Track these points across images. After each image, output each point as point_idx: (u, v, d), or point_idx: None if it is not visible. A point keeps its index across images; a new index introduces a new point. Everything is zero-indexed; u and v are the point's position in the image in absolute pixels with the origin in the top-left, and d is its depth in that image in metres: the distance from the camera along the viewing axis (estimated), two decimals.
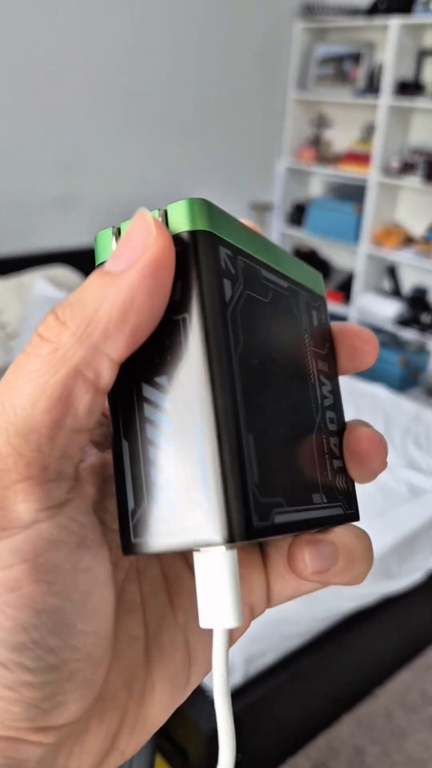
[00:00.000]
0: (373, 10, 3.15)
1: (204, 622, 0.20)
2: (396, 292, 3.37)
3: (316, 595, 1.29)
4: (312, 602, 1.29)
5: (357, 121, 3.47)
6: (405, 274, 3.39)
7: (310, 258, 3.63)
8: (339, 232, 3.38)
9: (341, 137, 3.55)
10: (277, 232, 3.69)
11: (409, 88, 3.07)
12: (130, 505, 0.20)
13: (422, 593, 1.59)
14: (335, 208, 3.40)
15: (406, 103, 3.06)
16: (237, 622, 0.20)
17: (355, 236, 3.32)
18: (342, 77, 3.41)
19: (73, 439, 0.19)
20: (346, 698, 1.58)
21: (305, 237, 3.64)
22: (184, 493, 0.19)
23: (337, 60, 3.42)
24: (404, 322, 3.17)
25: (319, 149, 3.55)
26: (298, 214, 3.61)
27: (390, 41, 3.05)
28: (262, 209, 3.57)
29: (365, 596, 1.42)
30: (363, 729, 1.54)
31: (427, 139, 3.20)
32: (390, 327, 3.20)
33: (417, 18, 2.98)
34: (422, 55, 3.13)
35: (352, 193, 3.43)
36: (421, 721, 1.58)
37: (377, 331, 3.23)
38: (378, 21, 3.09)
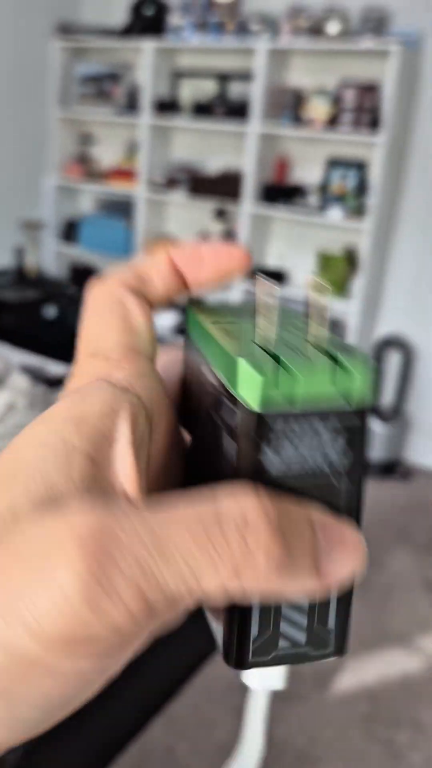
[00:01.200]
0: (127, 32, 3.25)
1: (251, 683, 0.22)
2: (172, 303, 3.47)
3: None
4: None
5: (121, 138, 3.54)
6: None
7: (86, 274, 3.63)
8: (112, 247, 3.41)
9: (107, 154, 3.60)
10: (51, 250, 3.64)
11: (166, 107, 3.20)
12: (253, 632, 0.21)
13: None
14: (106, 224, 3.44)
15: (165, 121, 3.19)
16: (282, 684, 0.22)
17: (127, 250, 3.38)
18: (103, 96, 3.47)
19: None
20: (155, 701, 1.58)
21: (80, 253, 3.63)
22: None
23: (97, 79, 3.47)
24: (182, 330, 3.28)
25: (86, 166, 3.56)
26: (70, 231, 3.59)
27: (145, 62, 3.16)
28: (33, 227, 3.49)
29: None
30: (173, 727, 1.55)
31: (188, 155, 3.36)
32: (169, 336, 3.29)
33: (168, 42, 3.12)
34: (177, 76, 3.28)
35: (122, 208, 3.49)
36: (227, 709, 1.64)
37: (158, 341, 3.30)
38: (132, 43, 3.19)
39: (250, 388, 0.17)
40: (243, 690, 1.68)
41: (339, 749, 1.57)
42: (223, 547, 0.16)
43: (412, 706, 1.72)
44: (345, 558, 0.18)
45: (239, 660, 0.21)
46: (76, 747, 1.30)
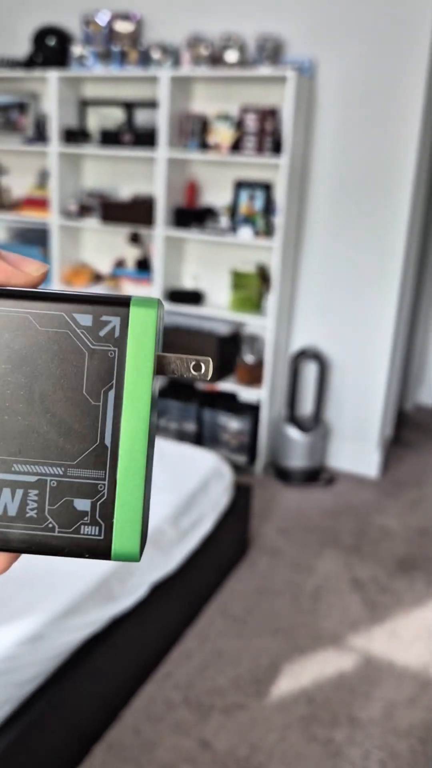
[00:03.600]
0: (30, 63, 3.27)
1: None
2: None
3: (40, 635, 1.29)
4: (37, 642, 1.29)
5: (31, 167, 3.55)
6: None
7: None
8: None
9: (18, 183, 3.60)
10: None
11: (75, 135, 3.23)
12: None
13: (148, 606, 1.67)
14: (21, 253, 3.42)
15: (74, 149, 3.22)
16: None
17: (45, 279, 3.38)
18: (10, 126, 3.47)
19: None
20: (94, 728, 1.59)
21: None
22: None
23: (3, 109, 3.47)
24: None
25: None
26: None
27: (51, 92, 3.18)
28: None
29: (93, 623, 1.45)
30: (114, 753, 1.57)
31: (100, 182, 3.40)
32: None
33: (73, 71, 3.16)
34: (83, 104, 3.32)
35: (36, 237, 3.49)
36: (168, 727, 1.66)
37: None
38: (37, 73, 3.21)
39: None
40: (181, 707, 1.71)
41: (280, 753, 1.62)
42: None
43: (348, 704, 1.79)
44: (27, 260, 0.24)
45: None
46: None
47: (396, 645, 2.02)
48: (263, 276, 3.04)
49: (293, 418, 3.04)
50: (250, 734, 1.67)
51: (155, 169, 3.06)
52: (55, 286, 3.36)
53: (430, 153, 2.95)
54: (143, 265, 3.27)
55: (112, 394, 0.24)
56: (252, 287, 3.04)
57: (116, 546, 0.24)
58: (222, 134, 2.93)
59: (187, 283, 3.27)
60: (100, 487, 0.24)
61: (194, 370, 0.25)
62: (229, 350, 3.10)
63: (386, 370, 2.98)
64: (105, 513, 0.24)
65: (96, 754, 1.56)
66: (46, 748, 1.39)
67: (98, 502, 0.24)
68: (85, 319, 0.23)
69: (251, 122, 2.85)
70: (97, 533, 0.24)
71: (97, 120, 3.31)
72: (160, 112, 2.95)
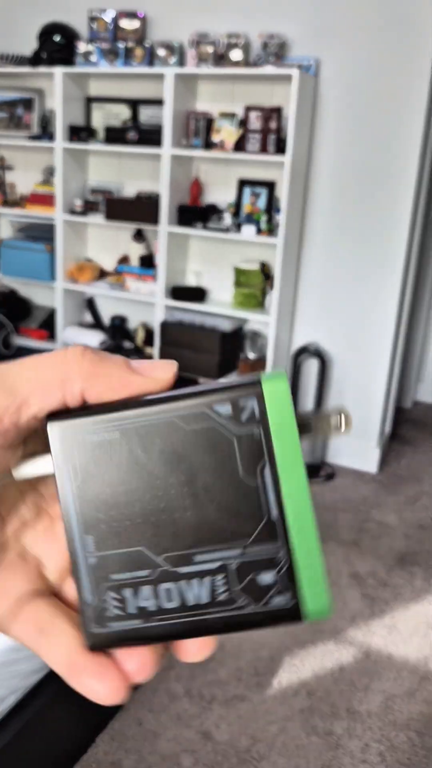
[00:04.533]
0: (36, 60, 3.28)
1: None
2: (97, 323, 3.52)
3: None
4: None
5: (37, 163, 3.57)
6: (103, 306, 3.56)
7: (10, 298, 3.62)
8: (34, 272, 3.43)
9: (24, 179, 3.62)
10: None
11: (80, 132, 3.25)
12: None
13: None
14: (27, 248, 3.45)
15: (80, 146, 3.24)
16: None
17: (51, 274, 3.40)
18: (16, 122, 3.48)
19: None
20: (98, 719, 1.62)
21: (1, 278, 3.62)
22: None
23: (10, 105, 3.48)
24: (108, 349, 3.33)
25: (3, 192, 3.56)
26: None
27: (57, 89, 3.20)
28: None
29: None
30: (117, 743, 1.60)
31: (104, 178, 3.42)
32: None
33: (78, 68, 3.18)
34: (89, 101, 3.34)
35: (41, 233, 3.51)
36: (170, 718, 1.69)
37: None
38: (43, 69, 3.23)
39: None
40: (183, 699, 1.74)
41: (281, 745, 1.65)
42: (46, 362, 0.25)
43: (347, 696, 1.82)
44: (155, 365, 0.26)
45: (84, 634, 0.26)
46: (21, 767, 1.32)
47: (395, 639, 2.05)
48: (266, 273, 3.06)
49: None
50: (250, 726, 1.70)
51: (160, 166, 3.07)
52: (61, 282, 3.38)
53: None
54: (147, 262, 3.29)
55: (267, 470, 0.25)
56: (254, 284, 3.07)
57: (309, 608, 0.25)
58: (226, 132, 2.95)
59: (191, 280, 3.30)
60: (279, 557, 0.25)
61: (335, 427, 0.26)
62: (232, 347, 3.13)
63: (387, 368, 3.00)
64: (289, 580, 0.25)
65: (99, 743, 1.59)
66: (51, 738, 1.42)
67: (281, 572, 0.25)
68: (224, 408, 0.25)
69: (255, 121, 2.86)
70: (287, 601, 0.25)
71: (102, 117, 3.32)
72: (165, 109, 2.97)
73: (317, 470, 3.05)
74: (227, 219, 3.06)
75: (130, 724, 1.65)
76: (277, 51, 2.84)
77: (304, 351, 3.06)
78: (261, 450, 0.25)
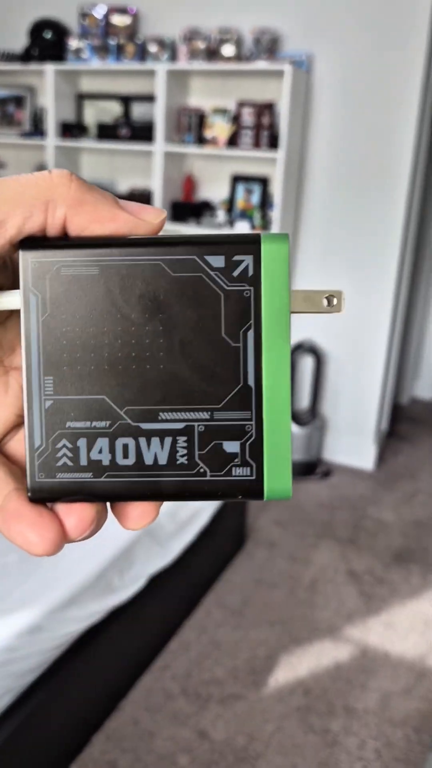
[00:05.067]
0: (27, 56, 3.26)
1: None
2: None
3: (39, 626, 1.31)
4: (37, 634, 1.31)
5: (28, 161, 3.55)
6: None
7: None
8: None
9: None
10: None
11: (72, 129, 3.23)
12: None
13: (147, 598, 1.69)
14: None
15: (72, 143, 3.22)
16: None
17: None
18: (7, 119, 3.46)
19: None
20: (94, 718, 1.61)
21: None
22: None
23: (1, 103, 3.46)
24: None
25: None
26: None
27: (48, 86, 3.18)
28: None
29: (92, 615, 1.47)
30: (113, 743, 1.59)
31: (97, 175, 3.40)
32: None
33: (69, 65, 3.16)
34: (80, 98, 3.32)
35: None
36: (166, 718, 1.68)
37: None
38: (33, 66, 3.21)
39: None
40: (179, 698, 1.73)
41: (277, 743, 1.64)
42: (30, 181, 0.22)
43: (344, 694, 1.81)
44: (146, 207, 0.24)
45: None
46: (15, 767, 1.31)
47: (392, 636, 2.04)
48: None
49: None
50: (247, 724, 1.69)
51: (152, 163, 3.06)
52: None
53: (427, 147, 2.96)
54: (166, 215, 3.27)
55: (251, 334, 0.23)
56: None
57: (269, 485, 0.24)
58: (219, 128, 2.93)
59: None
60: (248, 427, 0.24)
61: (327, 304, 0.24)
62: None
63: (382, 364, 2.99)
64: (255, 453, 0.24)
65: (95, 743, 1.57)
66: (46, 738, 1.41)
67: (247, 443, 0.24)
68: (217, 260, 0.23)
69: (248, 116, 2.85)
70: (248, 474, 0.24)
71: (94, 114, 3.31)
72: (157, 106, 2.95)
73: (313, 468, 3.04)
74: (221, 215, 3.04)
75: (126, 724, 1.64)
76: (269, 46, 2.82)
77: (298, 348, 3.04)
78: (248, 311, 0.23)
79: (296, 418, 3.02)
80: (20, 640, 1.27)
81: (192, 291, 0.23)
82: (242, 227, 2.94)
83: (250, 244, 0.23)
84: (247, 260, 0.23)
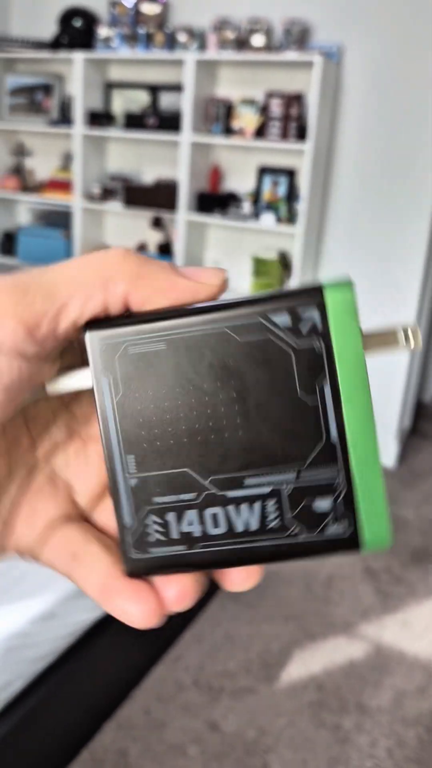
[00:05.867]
0: (56, 44, 3.26)
1: None
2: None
3: (53, 613, 1.31)
4: (50, 621, 1.31)
5: (55, 149, 3.55)
6: None
7: None
8: (51, 258, 3.42)
9: (42, 165, 3.61)
10: None
11: (99, 118, 3.23)
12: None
13: None
14: (44, 235, 3.45)
15: (99, 132, 3.22)
16: None
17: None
18: (35, 107, 3.47)
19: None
20: (105, 706, 1.62)
21: (18, 265, 3.62)
22: None
23: (29, 90, 3.47)
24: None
25: (21, 178, 3.56)
26: (8, 243, 3.59)
27: (76, 74, 3.18)
28: None
29: None
30: (124, 731, 1.59)
31: (123, 165, 3.40)
32: None
33: (98, 53, 3.16)
34: (109, 87, 3.32)
35: (59, 220, 3.50)
36: (177, 708, 1.68)
37: None
38: (63, 54, 3.21)
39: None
40: (191, 689, 1.73)
41: (288, 738, 1.64)
42: (86, 268, 0.22)
43: (357, 691, 1.80)
44: (204, 270, 0.24)
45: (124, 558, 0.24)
46: (26, 753, 1.33)
47: (407, 635, 2.02)
48: (284, 263, 3.03)
49: None
50: (258, 718, 1.69)
51: (179, 153, 3.05)
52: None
53: None
54: (165, 250, 3.27)
55: (327, 388, 0.23)
56: (273, 274, 3.03)
57: (368, 537, 0.23)
58: (246, 119, 2.91)
59: (226, 274, 3.26)
60: (337, 482, 0.23)
61: (403, 341, 0.24)
62: None
63: (406, 360, 2.96)
64: (347, 507, 0.23)
65: (106, 731, 1.58)
66: (57, 724, 1.42)
67: (338, 498, 0.23)
68: (282, 318, 0.23)
69: (276, 107, 2.82)
70: (344, 529, 0.23)
71: (121, 103, 3.30)
72: (185, 95, 2.94)
73: None
74: (246, 207, 3.02)
75: (137, 713, 1.65)
76: (299, 36, 2.79)
77: None
78: (322, 365, 0.23)
79: None
80: (33, 626, 1.28)
81: (261, 353, 0.23)
82: (268, 219, 2.92)
83: (314, 295, 0.23)
84: (313, 313, 0.23)
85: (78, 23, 3.23)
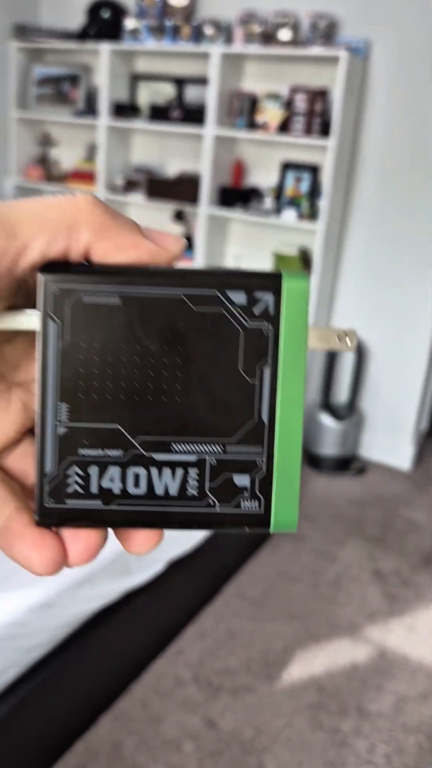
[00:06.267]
0: (83, 35, 3.26)
1: None
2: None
3: (51, 602, 1.32)
4: (47, 610, 1.32)
5: (80, 140, 3.56)
6: None
7: None
8: None
9: (67, 156, 3.62)
10: None
11: (125, 109, 3.22)
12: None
13: (164, 583, 1.69)
14: None
15: (124, 123, 3.22)
16: None
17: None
18: (62, 98, 3.48)
19: None
20: (102, 698, 1.62)
21: None
22: None
23: (55, 81, 3.48)
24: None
25: (46, 168, 3.57)
26: None
27: (103, 65, 3.18)
28: None
29: (105, 595, 1.48)
30: (120, 724, 1.60)
31: (147, 157, 3.39)
32: None
33: (125, 45, 3.15)
34: (135, 79, 3.31)
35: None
36: (175, 703, 1.68)
37: None
38: (90, 45, 3.21)
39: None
40: (190, 685, 1.73)
41: (285, 738, 1.63)
42: (54, 204, 0.22)
43: (358, 695, 1.78)
44: (167, 235, 0.24)
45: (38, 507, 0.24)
46: (19, 743, 1.33)
47: (413, 639, 2.00)
48: (305, 259, 3.00)
49: (327, 405, 3.01)
50: (256, 717, 1.68)
51: (202, 146, 3.03)
52: None
53: None
54: (186, 242, 3.25)
55: (267, 370, 0.24)
56: (293, 270, 3.01)
57: (276, 518, 0.24)
58: (271, 113, 2.88)
59: (229, 263, 3.25)
60: (259, 462, 0.24)
61: (339, 341, 0.25)
62: None
63: (425, 361, 2.92)
64: (264, 487, 0.24)
65: (102, 723, 1.59)
66: (51, 714, 1.43)
67: (257, 478, 0.24)
68: (238, 296, 0.23)
69: (301, 103, 2.79)
70: (256, 507, 0.24)
71: (147, 95, 3.29)
72: (210, 89, 2.92)
73: (348, 463, 2.99)
74: (268, 202, 3.00)
75: (134, 706, 1.65)
76: (326, 31, 2.75)
77: None
78: (266, 349, 0.24)
79: (334, 411, 2.98)
80: (30, 615, 1.28)
81: (212, 326, 0.23)
82: (289, 215, 2.90)
83: (272, 280, 0.24)
84: (268, 298, 0.24)
85: (106, 14, 3.23)
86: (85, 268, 0.23)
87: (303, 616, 2.06)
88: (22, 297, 0.24)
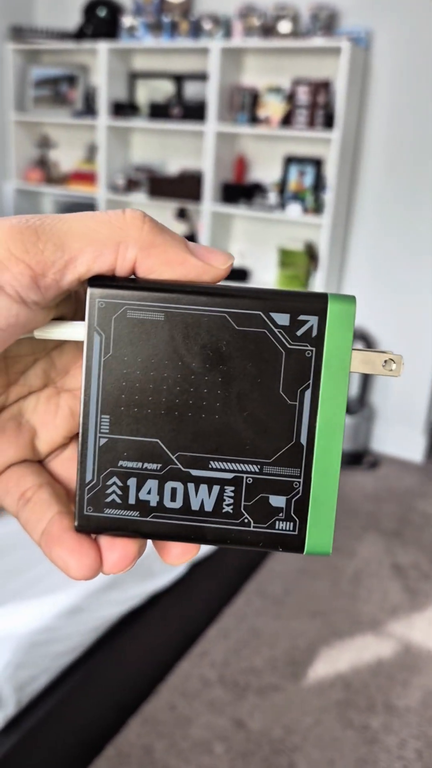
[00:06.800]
0: (80, 35, 3.24)
1: None
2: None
3: (79, 607, 1.30)
4: (76, 615, 1.30)
5: (79, 141, 3.54)
6: None
7: None
8: None
9: (66, 157, 3.59)
10: None
11: (124, 108, 3.20)
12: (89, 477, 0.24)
13: (187, 585, 1.67)
14: None
15: (123, 123, 3.19)
16: None
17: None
18: (60, 99, 3.46)
19: None
20: (130, 702, 1.61)
21: None
22: None
23: (53, 82, 3.46)
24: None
25: (46, 170, 3.55)
26: None
27: (100, 64, 3.16)
28: None
29: (132, 598, 1.46)
30: (149, 727, 1.58)
31: (148, 156, 3.37)
32: None
33: (123, 43, 3.13)
34: (133, 77, 3.29)
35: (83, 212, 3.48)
36: (203, 705, 1.66)
37: None
38: (87, 45, 3.19)
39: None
40: (216, 686, 1.71)
41: (315, 737, 1.61)
42: (103, 222, 0.22)
43: (385, 690, 1.76)
44: (214, 252, 0.24)
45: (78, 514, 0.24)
46: (52, 749, 1.32)
47: None
48: (311, 254, 2.98)
49: None
50: (284, 716, 1.66)
51: (204, 143, 3.01)
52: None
53: None
54: (190, 241, 3.23)
55: (308, 393, 0.24)
56: (299, 265, 2.99)
57: (310, 542, 0.25)
58: (272, 107, 2.86)
59: (234, 260, 3.23)
60: (296, 484, 0.24)
61: (383, 367, 0.25)
62: None
63: None
64: (299, 509, 0.24)
65: (132, 726, 1.57)
66: (81, 719, 1.41)
67: (293, 499, 0.24)
68: (282, 318, 0.23)
69: (303, 95, 2.77)
70: (291, 529, 0.25)
71: (146, 93, 3.27)
72: (210, 84, 2.90)
73: (360, 458, 2.98)
74: (272, 197, 2.98)
75: (162, 709, 1.63)
76: (327, 22, 2.73)
77: None
78: (308, 371, 0.24)
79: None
80: (60, 620, 1.26)
81: (254, 346, 0.24)
82: (294, 209, 2.88)
83: (317, 304, 0.23)
84: (312, 321, 0.23)
85: (102, 13, 3.21)
86: (132, 283, 0.23)
87: (325, 613, 2.04)
88: (70, 308, 0.25)
